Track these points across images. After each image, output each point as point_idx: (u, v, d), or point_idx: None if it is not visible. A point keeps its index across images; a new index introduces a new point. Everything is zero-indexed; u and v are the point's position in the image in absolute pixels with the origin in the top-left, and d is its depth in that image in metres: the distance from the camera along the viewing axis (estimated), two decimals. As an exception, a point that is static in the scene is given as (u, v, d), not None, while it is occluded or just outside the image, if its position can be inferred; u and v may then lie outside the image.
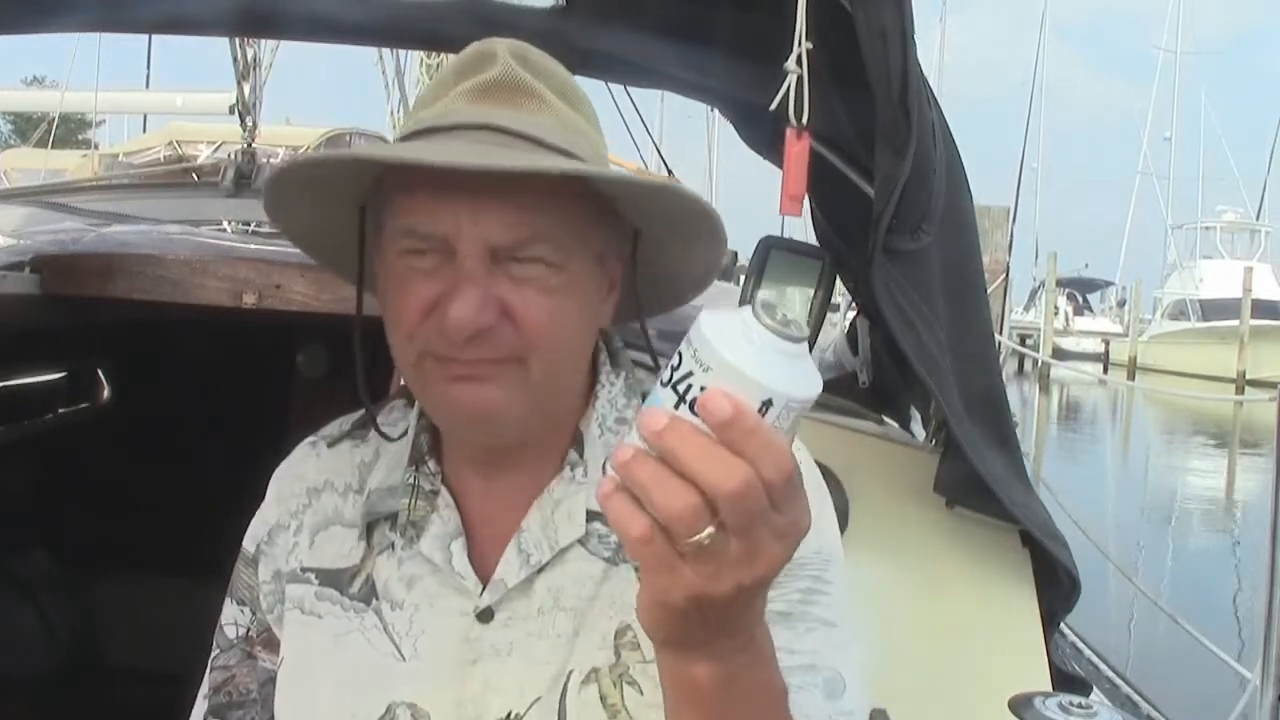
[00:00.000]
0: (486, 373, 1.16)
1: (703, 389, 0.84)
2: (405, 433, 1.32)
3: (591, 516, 1.23)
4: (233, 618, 1.40)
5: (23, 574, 3.66)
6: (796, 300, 2.19)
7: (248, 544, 1.40)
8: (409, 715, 1.21)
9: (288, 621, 1.32)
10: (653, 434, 0.84)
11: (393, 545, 1.28)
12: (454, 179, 1.11)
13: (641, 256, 1.27)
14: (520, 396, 1.18)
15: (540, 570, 1.22)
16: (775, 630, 1.16)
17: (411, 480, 1.28)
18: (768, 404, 0.85)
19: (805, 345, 0.87)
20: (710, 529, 0.85)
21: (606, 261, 1.25)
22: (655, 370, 1.36)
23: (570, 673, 1.20)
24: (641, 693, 1.19)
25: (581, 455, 1.26)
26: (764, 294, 0.83)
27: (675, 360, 0.87)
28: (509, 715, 1.19)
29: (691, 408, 0.85)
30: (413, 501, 1.27)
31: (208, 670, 1.41)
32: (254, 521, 1.40)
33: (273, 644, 1.36)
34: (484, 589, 1.23)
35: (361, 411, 1.40)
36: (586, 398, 1.29)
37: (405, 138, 1.21)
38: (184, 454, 3.70)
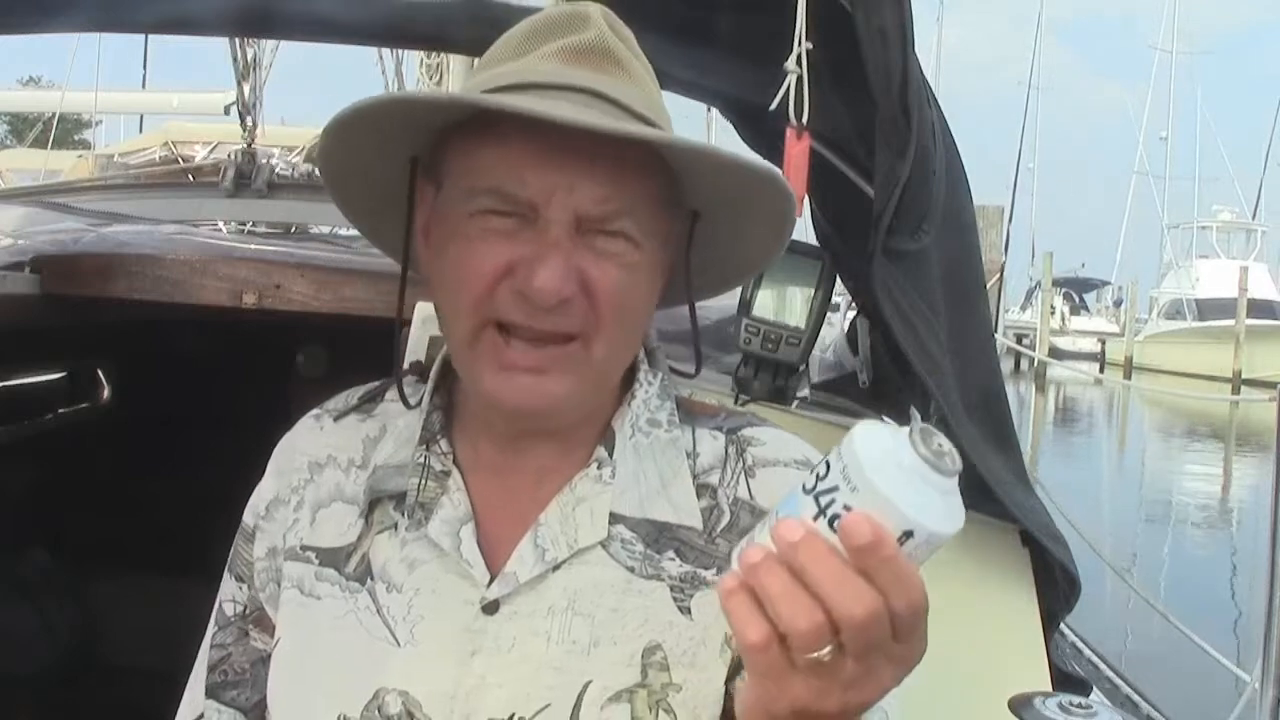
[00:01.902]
0: (548, 363, 1.13)
1: (846, 508, 0.84)
2: (418, 404, 1.27)
3: (615, 519, 1.19)
4: (231, 594, 1.36)
5: (23, 574, 3.67)
6: (797, 300, 2.19)
7: (246, 517, 1.36)
8: (399, 703, 1.16)
9: (285, 601, 1.28)
10: (787, 545, 0.84)
11: (395, 525, 1.23)
12: (551, 143, 1.07)
13: (698, 241, 1.25)
14: (578, 385, 1.15)
15: (556, 569, 1.18)
16: None
17: (422, 459, 1.23)
18: (908, 534, 0.84)
19: (956, 480, 0.86)
20: (830, 648, 0.85)
21: (669, 242, 1.21)
22: (688, 376, 1.34)
23: (588, 684, 1.15)
24: None
25: (611, 454, 1.21)
26: (921, 425, 0.81)
27: (822, 469, 0.86)
28: (512, 718, 1.15)
29: (831, 523, 0.84)
30: (422, 482, 1.22)
31: (206, 646, 1.37)
32: (254, 494, 1.36)
33: (264, 623, 1.32)
34: (492, 580, 1.18)
35: (370, 385, 1.36)
36: (622, 391, 1.26)
37: (486, 92, 1.14)
38: (184, 454, 3.71)
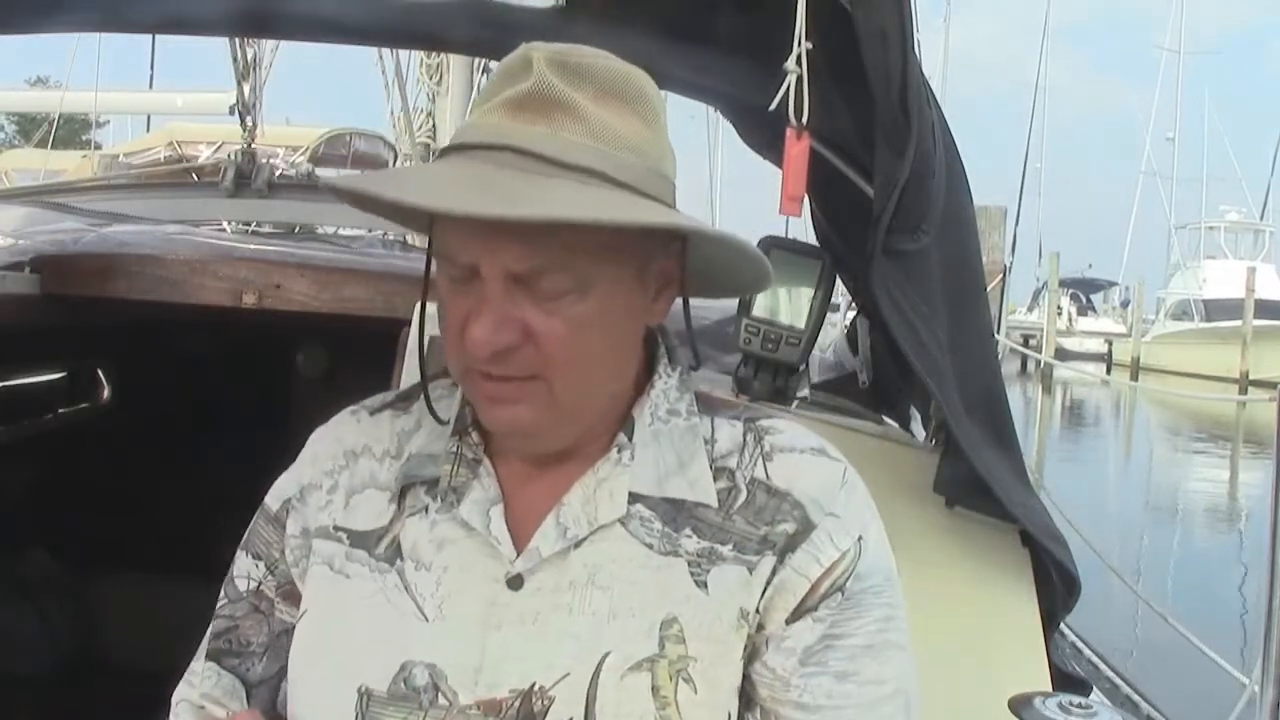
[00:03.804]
0: (512, 394, 1.19)
1: None
2: (451, 413, 1.34)
3: (634, 499, 1.25)
4: (245, 571, 1.41)
5: (23, 574, 3.67)
6: (797, 300, 2.18)
7: (270, 501, 1.41)
8: (426, 674, 1.23)
9: (313, 576, 1.34)
10: None
11: (426, 508, 1.30)
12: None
13: (692, 255, 1.27)
14: (548, 412, 1.21)
15: (577, 545, 1.24)
16: (862, 663, 1.23)
17: (455, 449, 1.30)
18: None
19: None
20: None
21: (652, 264, 1.25)
22: (691, 369, 1.38)
23: (607, 654, 1.20)
24: (696, 691, 1.20)
25: (630, 439, 1.27)
26: None
27: None
28: (533, 686, 1.20)
29: None
30: (455, 468, 1.29)
31: (214, 617, 1.43)
32: (282, 479, 1.42)
33: (294, 597, 1.37)
34: (517, 556, 1.24)
35: (408, 387, 1.43)
36: (639, 386, 1.31)
37: (441, 152, 1.24)
38: (184, 454, 3.71)
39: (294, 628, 1.35)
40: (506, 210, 1.09)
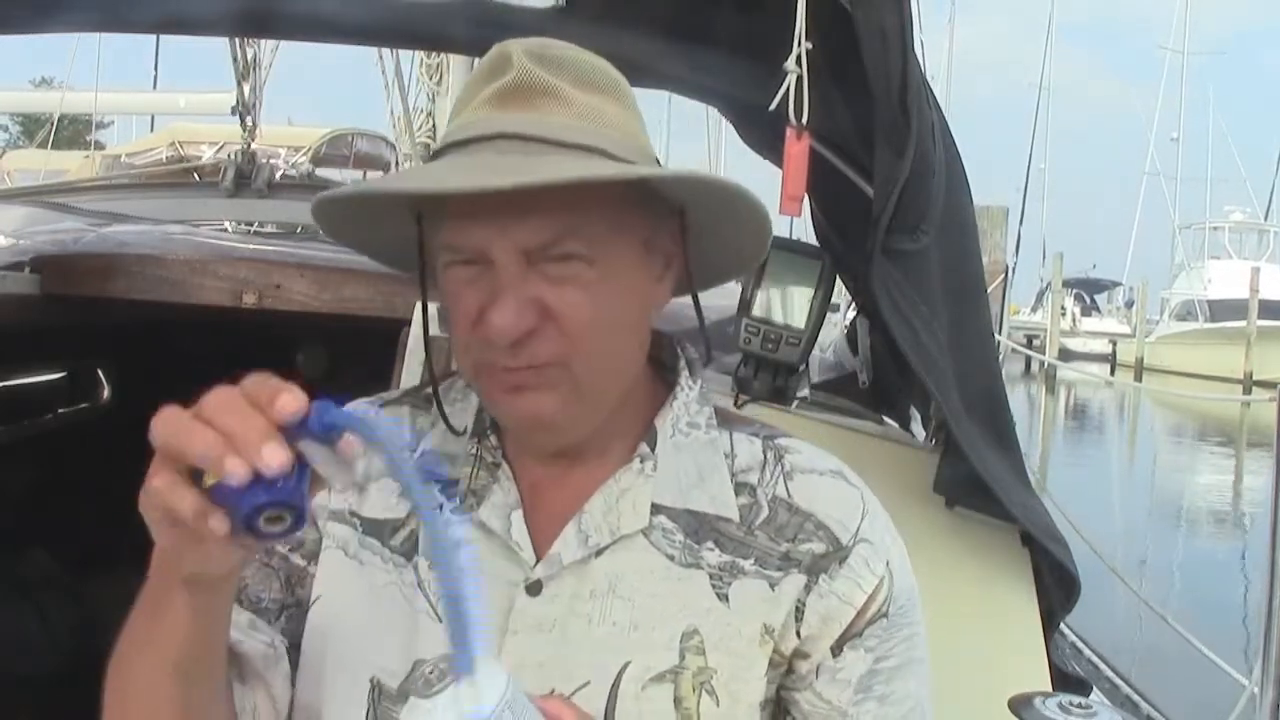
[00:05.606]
0: (534, 380, 1.18)
1: None
2: (469, 416, 1.33)
3: (656, 510, 1.25)
4: None
5: (23, 574, 3.66)
6: (797, 300, 2.18)
7: None
8: (437, 676, 1.21)
9: (326, 560, 1.33)
10: None
11: (439, 508, 1.28)
12: (477, 194, 1.12)
13: (691, 232, 1.27)
14: (572, 399, 1.19)
15: (599, 554, 1.23)
16: (897, 684, 1.26)
17: (474, 450, 1.30)
18: None
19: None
20: None
21: (656, 242, 1.24)
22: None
23: (627, 664, 1.20)
24: (718, 704, 1.21)
25: (653, 450, 1.27)
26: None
27: None
28: (551, 694, 1.17)
29: None
30: (474, 470, 1.28)
31: None
32: None
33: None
34: (537, 562, 1.24)
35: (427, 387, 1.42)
36: (660, 396, 1.31)
37: (434, 154, 1.23)
38: (184, 454, 3.70)
39: (295, 604, 1.33)
40: (523, 178, 1.09)
